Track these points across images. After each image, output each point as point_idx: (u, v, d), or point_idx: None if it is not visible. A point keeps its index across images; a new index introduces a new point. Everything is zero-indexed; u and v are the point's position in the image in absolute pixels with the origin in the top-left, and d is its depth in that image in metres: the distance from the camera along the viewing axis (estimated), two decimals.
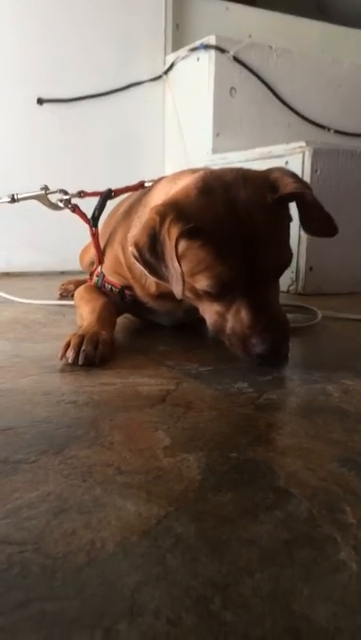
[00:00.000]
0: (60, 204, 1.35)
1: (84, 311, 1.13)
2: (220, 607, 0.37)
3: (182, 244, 0.88)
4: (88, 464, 0.58)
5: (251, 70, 2.27)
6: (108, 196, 1.29)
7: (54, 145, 2.32)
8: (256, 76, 2.29)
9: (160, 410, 0.74)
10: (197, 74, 2.28)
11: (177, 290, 0.88)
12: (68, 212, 1.35)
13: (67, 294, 1.69)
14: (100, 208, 1.29)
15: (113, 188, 1.31)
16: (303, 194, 0.93)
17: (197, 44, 2.26)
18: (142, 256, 0.91)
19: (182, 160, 2.36)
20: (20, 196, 1.40)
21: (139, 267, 1.10)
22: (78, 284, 1.78)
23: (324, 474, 0.57)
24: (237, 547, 0.44)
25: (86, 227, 1.30)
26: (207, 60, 2.22)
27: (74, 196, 1.35)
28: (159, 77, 2.45)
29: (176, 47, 2.43)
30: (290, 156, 1.86)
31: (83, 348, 0.94)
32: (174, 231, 0.86)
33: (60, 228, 2.23)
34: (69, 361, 0.94)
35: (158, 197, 1.06)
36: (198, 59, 2.27)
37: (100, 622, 0.36)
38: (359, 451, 0.63)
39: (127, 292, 1.17)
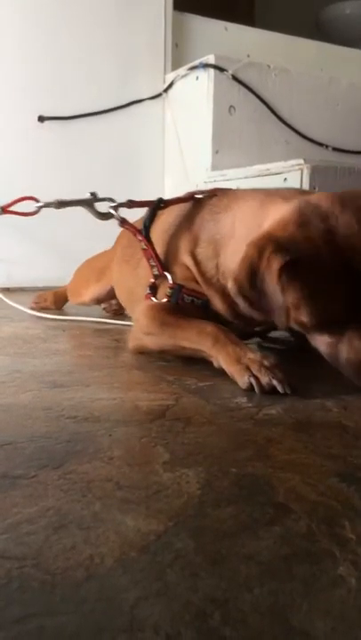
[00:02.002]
0: (112, 212, 1.29)
1: (188, 337, 1.03)
2: (219, 622, 0.37)
3: (282, 278, 0.85)
4: (87, 479, 0.58)
5: (249, 89, 2.30)
6: (157, 206, 1.24)
7: (55, 162, 2.34)
8: (255, 94, 2.31)
9: (159, 425, 0.75)
10: (197, 92, 2.31)
11: (280, 322, 0.87)
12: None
13: (44, 305, 1.75)
14: (150, 218, 1.22)
15: (164, 199, 1.25)
16: None
17: (197, 62, 2.29)
18: (242, 291, 0.89)
19: (182, 177, 2.38)
20: (65, 201, 1.33)
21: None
22: (56, 295, 1.78)
23: (324, 489, 0.57)
24: (237, 562, 0.44)
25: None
26: (206, 78, 2.25)
27: (122, 205, 1.30)
28: (159, 95, 2.48)
29: (176, 66, 2.47)
30: (288, 174, 1.88)
31: (267, 378, 0.89)
32: (275, 264, 0.84)
33: (60, 243, 2.25)
34: (265, 389, 0.89)
35: (247, 224, 1.03)
36: (197, 77, 2.30)
37: (100, 638, 0.36)
38: (358, 466, 0.63)
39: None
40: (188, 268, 1.13)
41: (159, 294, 1.14)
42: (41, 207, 1.38)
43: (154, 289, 1.15)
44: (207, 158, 2.27)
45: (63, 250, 2.27)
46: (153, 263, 1.16)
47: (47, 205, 1.35)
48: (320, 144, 2.47)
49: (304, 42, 2.86)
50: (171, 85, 2.45)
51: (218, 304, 1.09)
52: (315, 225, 0.88)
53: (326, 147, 2.48)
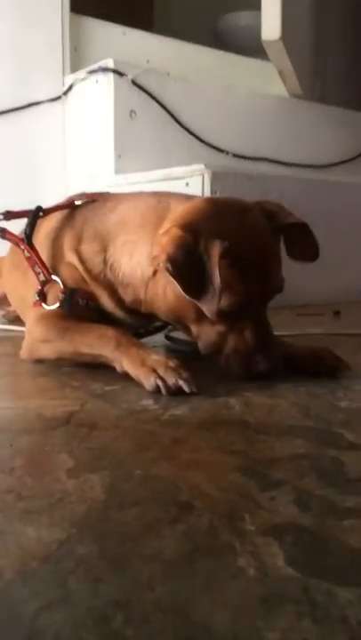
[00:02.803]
0: None
1: (88, 342, 1.01)
2: (121, 624, 0.37)
3: (222, 261, 0.89)
4: None
5: (149, 94, 2.32)
6: (37, 214, 1.21)
7: None
8: (155, 100, 2.33)
9: (64, 432, 0.73)
10: (97, 96, 2.29)
11: (212, 308, 0.88)
12: None
13: None
14: (30, 226, 1.19)
15: (43, 207, 1.22)
16: (305, 224, 1.01)
17: (96, 66, 2.28)
18: (179, 272, 0.89)
19: (85, 181, 2.35)
20: None
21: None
22: None
23: (225, 484, 0.58)
24: (139, 563, 0.44)
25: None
26: (106, 82, 2.24)
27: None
28: (58, 98, 2.44)
29: (75, 68, 2.44)
30: (190, 178, 1.91)
31: (173, 378, 0.90)
32: (216, 248, 0.88)
33: None
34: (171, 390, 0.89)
35: (144, 216, 1.05)
36: (97, 81, 2.28)
37: None
38: (258, 459, 0.65)
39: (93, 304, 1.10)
40: (74, 268, 1.11)
41: (50, 300, 1.10)
42: None
43: (43, 295, 1.11)
44: (110, 162, 2.26)
45: None
46: (38, 270, 1.13)
47: None
48: (220, 150, 2.53)
49: (202, 49, 2.92)
50: (70, 88, 2.42)
51: (106, 301, 1.10)
52: (231, 217, 0.97)
53: (227, 153, 2.54)
